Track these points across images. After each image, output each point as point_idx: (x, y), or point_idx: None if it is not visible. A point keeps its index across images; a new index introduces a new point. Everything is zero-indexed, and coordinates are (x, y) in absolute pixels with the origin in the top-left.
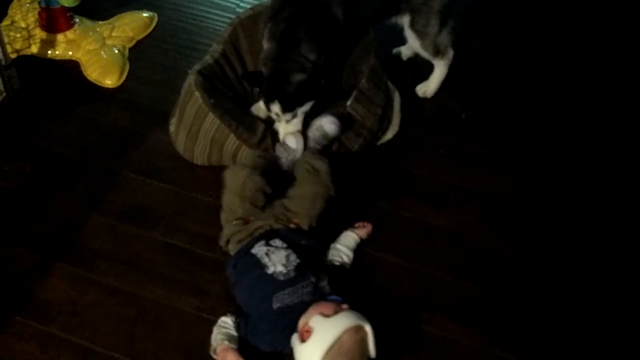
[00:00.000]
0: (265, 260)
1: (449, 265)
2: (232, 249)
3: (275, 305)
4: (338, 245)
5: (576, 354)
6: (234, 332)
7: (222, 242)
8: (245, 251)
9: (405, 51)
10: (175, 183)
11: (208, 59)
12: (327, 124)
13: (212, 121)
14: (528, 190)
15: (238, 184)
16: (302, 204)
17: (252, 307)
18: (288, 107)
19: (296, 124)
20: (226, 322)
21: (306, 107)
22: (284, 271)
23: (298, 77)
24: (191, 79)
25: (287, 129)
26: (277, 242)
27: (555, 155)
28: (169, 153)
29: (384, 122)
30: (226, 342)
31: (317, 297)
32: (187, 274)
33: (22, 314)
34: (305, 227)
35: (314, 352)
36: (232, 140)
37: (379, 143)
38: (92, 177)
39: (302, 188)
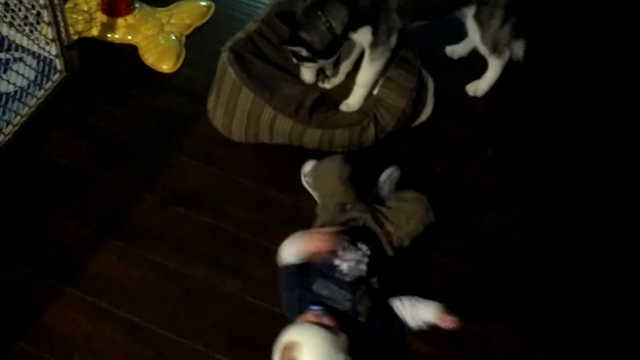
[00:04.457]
0: (340, 252)
1: (493, 265)
2: None
3: (315, 287)
4: (417, 313)
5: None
6: None
7: None
8: None
9: (459, 49)
10: (225, 168)
11: (240, 34)
12: (394, 173)
13: (247, 95)
14: (575, 195)
15: (335, 167)
16: (398, 216)
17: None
18: (295, 56)
19: (309, 70)
20: None
21: (312, 64)
22: (345, 271)
23: (298, 48)
24: (224, 56)
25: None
26: (363, 247)
27: (605, 162)
28: (220, 139)
29: (418, 104)
30: None
31: (348, 314)
32: (233, 257)
33: (73, 285)
34: (395, 239)
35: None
36: (268, 111)
37: (413, 125)
38: (144, 159)
39: (403, 202)
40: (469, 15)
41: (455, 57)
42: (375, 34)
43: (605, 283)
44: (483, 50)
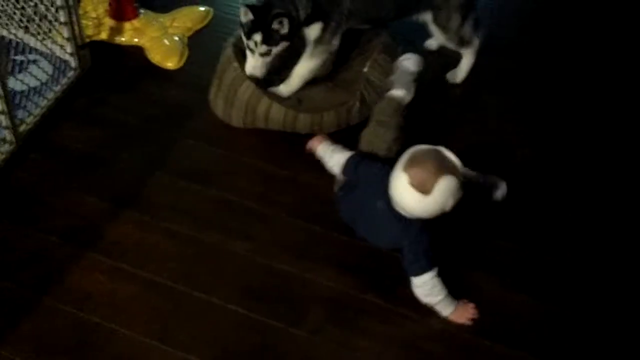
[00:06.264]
0: None
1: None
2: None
3: None
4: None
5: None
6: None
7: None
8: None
9: (434, 42)
10: (227, 148)
11: (239, 32)
12: (404, 61)
13: (247, 86)
14: (548, 165)
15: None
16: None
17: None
18: (267, 40)
19: (265, 62)
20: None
21: (279, 48)
22: None
23: (283, 18)
24: (229, 51)
25: (257, 63)
26: None
27: (574, 136)
28: (221, 124)
29: None
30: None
31: None
32: (240, 222)
33: (94, 250)
34: None
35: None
36: (264, 102)
37: None
38: (154, 142)
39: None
40: (428, 21)
41: (434, 47)
42: (324, 30)
43: (585, 244)
44: (452, 47)
